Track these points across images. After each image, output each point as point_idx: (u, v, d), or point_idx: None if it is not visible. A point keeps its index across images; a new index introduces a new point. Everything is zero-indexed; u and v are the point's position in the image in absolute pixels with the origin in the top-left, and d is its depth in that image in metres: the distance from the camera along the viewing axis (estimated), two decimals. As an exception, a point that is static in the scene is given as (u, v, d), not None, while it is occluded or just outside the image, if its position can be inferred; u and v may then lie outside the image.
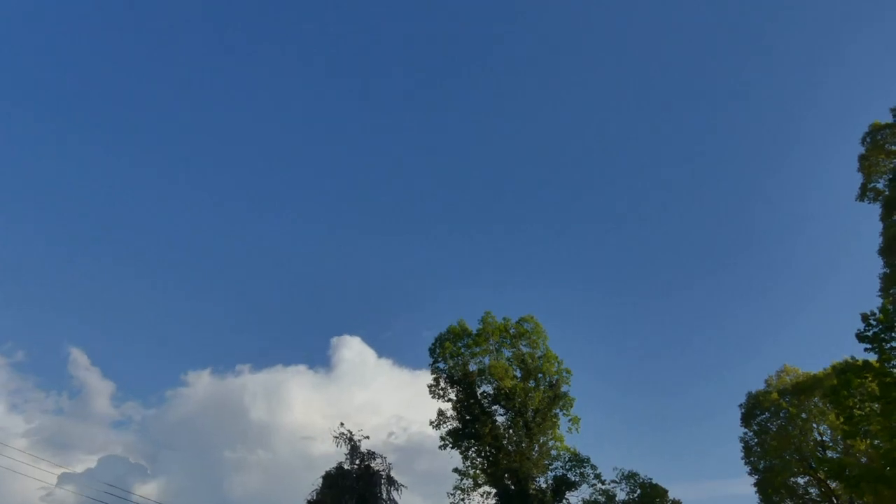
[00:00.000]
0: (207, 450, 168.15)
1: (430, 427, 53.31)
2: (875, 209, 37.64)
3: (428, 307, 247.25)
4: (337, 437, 34.42)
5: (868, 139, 38.10)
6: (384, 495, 33.74)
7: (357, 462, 34.06)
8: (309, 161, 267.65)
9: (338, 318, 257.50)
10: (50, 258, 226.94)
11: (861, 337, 27.39)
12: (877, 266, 37.46)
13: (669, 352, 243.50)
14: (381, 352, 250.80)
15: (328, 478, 32.97)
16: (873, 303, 28.30)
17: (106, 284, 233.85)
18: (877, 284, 36.85)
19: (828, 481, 55.86)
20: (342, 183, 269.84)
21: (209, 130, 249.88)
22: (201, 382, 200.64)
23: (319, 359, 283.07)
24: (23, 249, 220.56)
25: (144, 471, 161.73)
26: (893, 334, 26.53)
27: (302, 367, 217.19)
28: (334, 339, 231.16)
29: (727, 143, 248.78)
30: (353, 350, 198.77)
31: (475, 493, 51.58)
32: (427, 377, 55.66)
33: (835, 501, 60.38)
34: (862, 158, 38.05)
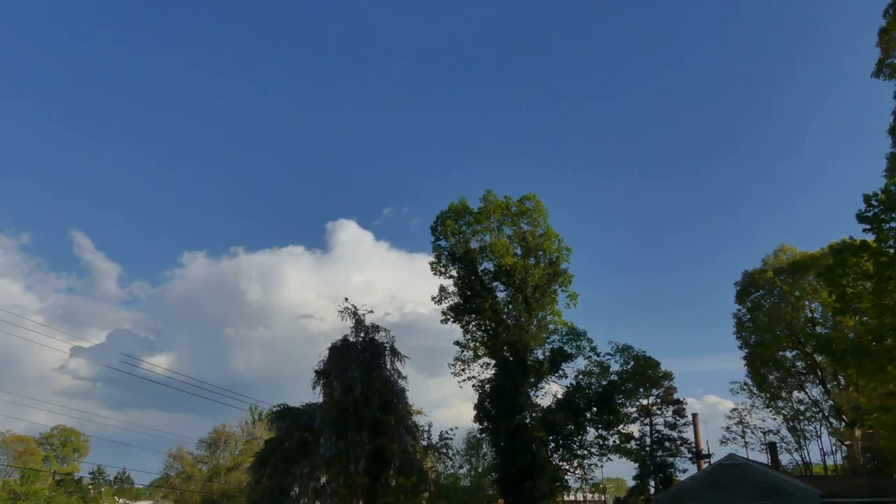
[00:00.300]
0: (209, 327, 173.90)
1: (431, 302, 54.61)
2: (890, 86, 36.38)
3: (424, 190, 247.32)
4: (342, 312, 35.22)
5: (891, 11, 36.17)
6: (388, 365, 34.90)
7: (362, 335, 35.06)
8: (304, 41, 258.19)
9: (333, 202, 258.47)
10: (48, 139, 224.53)
11: (861, 217, 27.31)
12: (885, 146, 36.71)
13: (669, 232, 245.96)
14: (379, 235, 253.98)
15: (334, 350, 34.00)
16: (879, 184, 27.94)
17: (102, 166, 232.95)
18: (883, 165, 36.25)
19: (814, 355, 57.95)
20: (337, 64, 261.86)
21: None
22: (198, 263, 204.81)
23: (316, 241, 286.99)
24: (20, 130, 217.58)
25: (153, 344, 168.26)
26: (894, 215, 26.49)
27: (299, 249, 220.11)
28: (330, 224, 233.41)
29: (739, 24, 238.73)
30: (349, 233, 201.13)
31: (475, 364, 53.75)
32: (422, 260, 56.59)
33: (819, 374, 62.96)
34: (882, 32, 36.24)
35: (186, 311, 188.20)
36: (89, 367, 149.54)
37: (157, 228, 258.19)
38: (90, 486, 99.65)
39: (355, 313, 35.38)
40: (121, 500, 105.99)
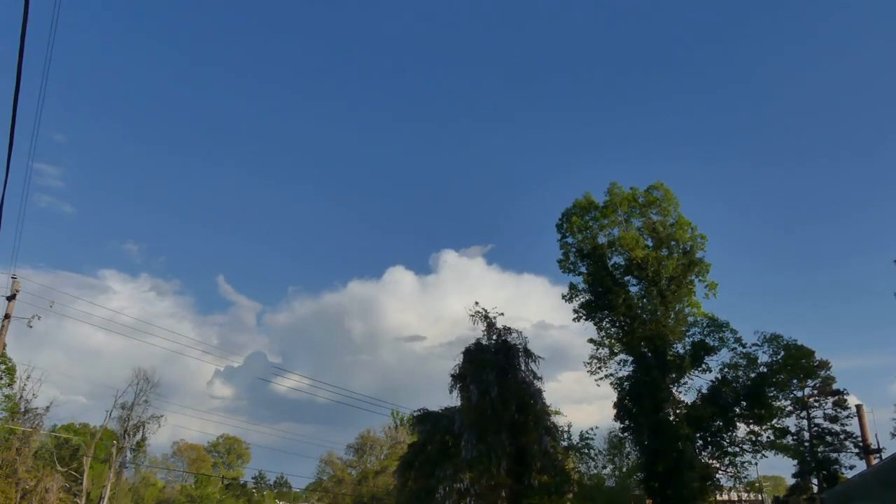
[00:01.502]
0: (327, 349, 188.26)
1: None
2: None
3: (546, 193, 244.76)
4: (473, 316, 35.63)
5: None
6: (523, 366, 34.91)
7: (494, 337, 35.32)
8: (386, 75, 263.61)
9: (443, 228, 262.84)
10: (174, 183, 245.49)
11: None
12: None
13: (818, 220, 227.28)
14: (490, 259, 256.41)
15: (468, 353, 34.46)
16: None
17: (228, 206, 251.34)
18: None
19: None
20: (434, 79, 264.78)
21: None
22: (305, 295, 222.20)
23: (423, 266, 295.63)
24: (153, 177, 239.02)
25: (282, 366, 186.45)
26: None
27: (408, 275, 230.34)
28: (434, 254, 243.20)
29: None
30: (456, 258, 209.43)
31: (611, 362, 52.55)
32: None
33: None
34: None
35: (307, 336, 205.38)
36: (230, 387, 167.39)
37: (283, 261, 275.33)
38: (254, 490, 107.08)
39: (486, 316, 35.69)
40: (280, 503, 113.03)
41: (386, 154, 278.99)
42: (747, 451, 51.46)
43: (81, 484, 58.47)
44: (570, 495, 35.08)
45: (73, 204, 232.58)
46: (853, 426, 58.65)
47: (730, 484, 52.88)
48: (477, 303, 36.11)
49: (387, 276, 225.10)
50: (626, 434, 50.94)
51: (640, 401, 47.80)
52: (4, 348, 42.57)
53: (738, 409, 50.83)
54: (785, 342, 56.19)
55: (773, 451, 53.26)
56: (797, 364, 56.75)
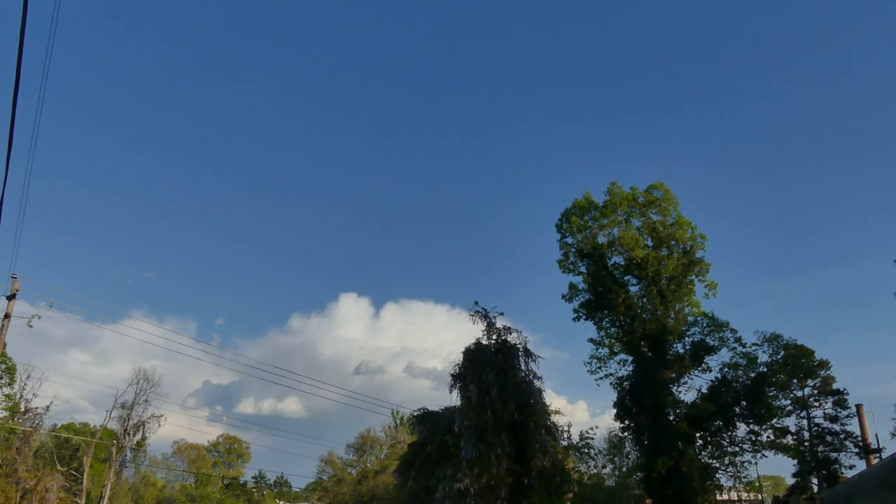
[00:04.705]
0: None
1: (563, 300, 54.14)
2: None
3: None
4: (472, 316, 35.50)
5: None
6: (523, 366, 34.77)
7: (494, 337, 35.17)
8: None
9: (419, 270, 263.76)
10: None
11: None
12: None
13: (822, 227, 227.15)
14: (455, 303, 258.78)
15: (468, 353, 34.32)
16: None
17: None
18: None
19: None
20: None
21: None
22: (277, 334, 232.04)
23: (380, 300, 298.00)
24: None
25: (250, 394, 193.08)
26: None
27: (365, 304, 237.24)
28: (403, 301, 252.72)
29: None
30: (417, 307, 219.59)
31: (611, 362, 52.56)
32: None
33: None
34: None
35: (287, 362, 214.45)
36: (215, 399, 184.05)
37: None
38: (254, 490, 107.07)
39: (486, 315, 35.57)
40: (281, 503, 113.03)
41: (377, 162, 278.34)
42: (747, 451, 51.47)
43: (81, 483, 58.50)
44: (570, 495, 35.03)
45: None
46: (853, 426, 58.63)
47: (730, 484, 52.88)
48: (476, 302, 36.08)
49: (342, 309, 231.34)
50: (626, 434, 50.95)
51: (640, 401, 47.82)
52: (4, 347, 42.55)
53: (738, 409, 50.81)
54: (785, 342, 56.23)
55: (773, 451, 53.27)
56: (797, 364, 56.80)
